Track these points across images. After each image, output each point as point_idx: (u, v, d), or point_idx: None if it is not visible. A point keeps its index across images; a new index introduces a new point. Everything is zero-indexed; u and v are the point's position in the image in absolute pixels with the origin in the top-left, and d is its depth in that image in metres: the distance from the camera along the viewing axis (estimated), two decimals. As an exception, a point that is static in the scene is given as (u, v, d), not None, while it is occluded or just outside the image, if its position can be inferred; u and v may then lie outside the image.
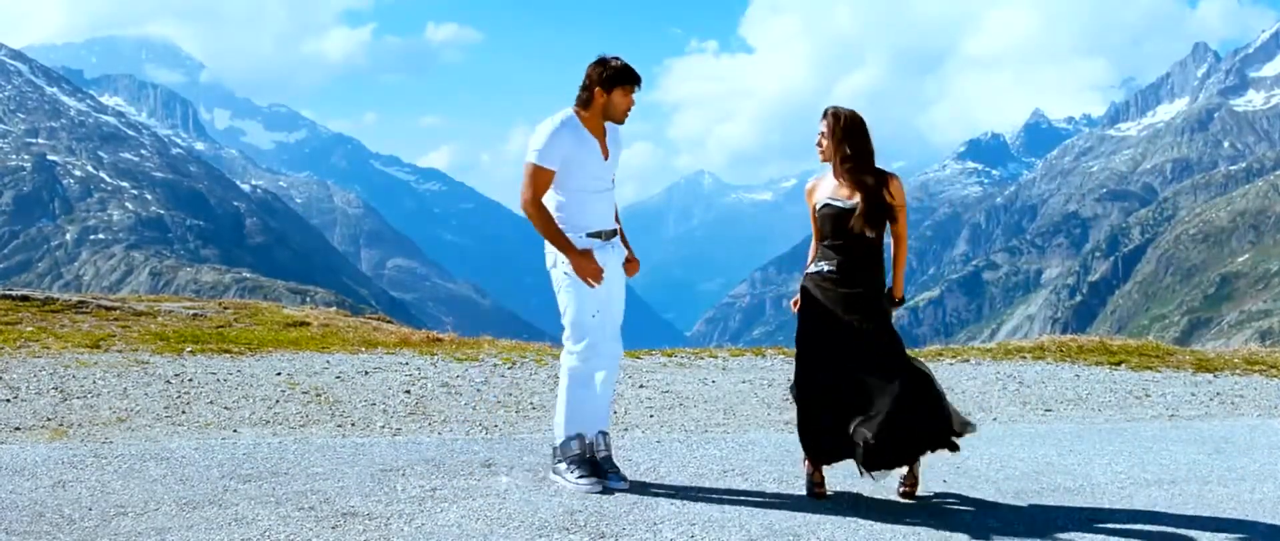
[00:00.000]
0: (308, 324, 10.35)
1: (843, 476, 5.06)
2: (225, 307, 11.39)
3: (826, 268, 4.82)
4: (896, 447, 4.66)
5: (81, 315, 9.65)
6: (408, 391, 7.14)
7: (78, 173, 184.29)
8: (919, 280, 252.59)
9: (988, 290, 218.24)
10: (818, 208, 4.85)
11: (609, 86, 4.79)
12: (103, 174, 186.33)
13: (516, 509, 4.51)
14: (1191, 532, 4.51)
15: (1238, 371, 9.28)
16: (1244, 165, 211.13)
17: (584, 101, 4.84)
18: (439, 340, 9.49)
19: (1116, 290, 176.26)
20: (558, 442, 4.96)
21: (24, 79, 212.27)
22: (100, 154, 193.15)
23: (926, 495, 5.00)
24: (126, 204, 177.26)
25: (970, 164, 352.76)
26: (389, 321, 12.33)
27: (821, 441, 4.78)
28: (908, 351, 4.91)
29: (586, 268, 4.79)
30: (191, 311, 10.54)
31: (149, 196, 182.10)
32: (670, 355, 9.24)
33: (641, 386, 7.66)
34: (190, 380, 7.15)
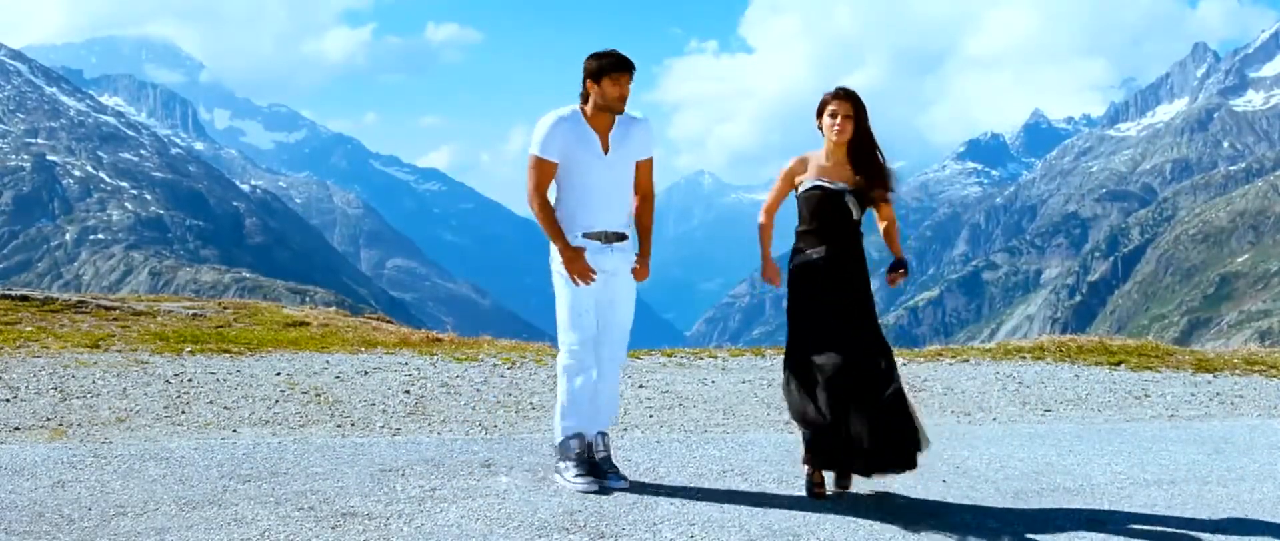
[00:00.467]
0: (307, 324, 10.35)
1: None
2: (225, 308, 11.39)
3: (815, 255, 4.81)
4: (894, 451, 4.68)
5: (81, 315, 9.65)
6: (407, 391, 7.14)
7: (77, 173, 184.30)
8: (919, 280, 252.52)
9: (987, 290, 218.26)
10: (803, 188, 4.82)
11: (598, 78, 4.76)
12: (102, 174, 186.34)
13: (516, 509, 4.51)
14: (1191, 532, 4.51)
15: (1237, 372, 9.28)
16: (1244, 165, 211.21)
17: (584, 97, 4.85)
18: (439, 340, 9.48)
19: (1116, 290, 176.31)
20: (557, 442, 4.97)
21: (24, 79, 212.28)
22: (100, 154, 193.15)
23: (926, 496, 5.00)
24: (126, 204, 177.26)
25: (970, 164, 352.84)
26: (389, 321, 12.32)
27: (821, 441, 4.78)
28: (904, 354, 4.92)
29: (573, 265, 4.78)
30: (191, 311, 10.54)
31: (148, 196, 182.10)
32: (670, 355, 9.24)
33: (641, 386, 7.66)
34: (190, 380, 7.15)
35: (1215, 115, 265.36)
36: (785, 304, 4.92)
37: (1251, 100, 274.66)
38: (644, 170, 4.93)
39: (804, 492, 4.89)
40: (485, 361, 8.42)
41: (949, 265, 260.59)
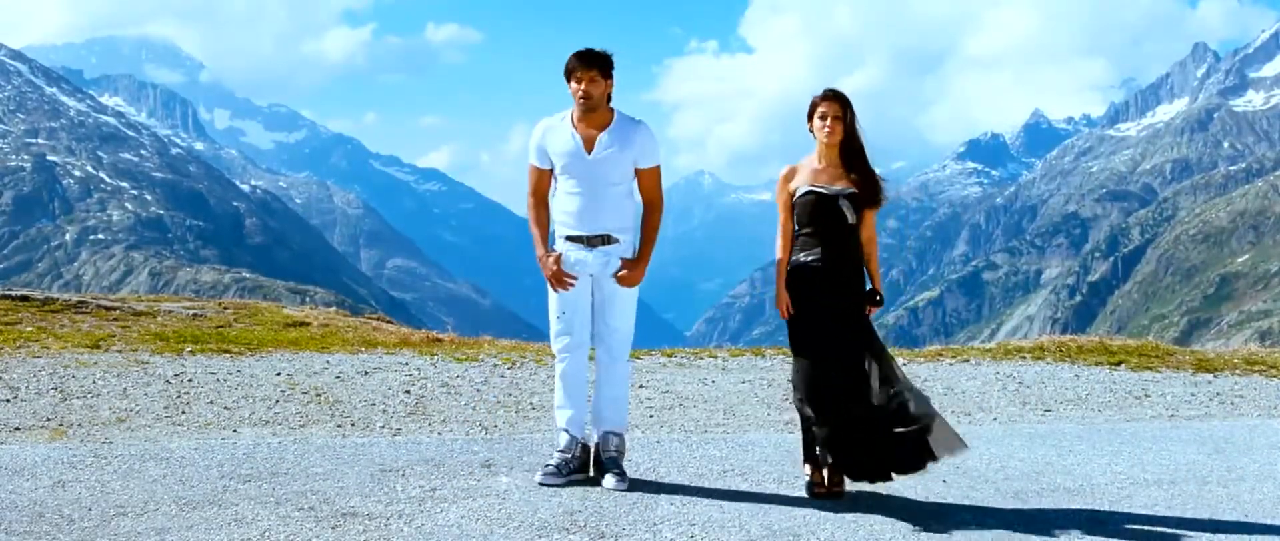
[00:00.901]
0: (307, 324, 10.35)
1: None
2: (225, 308, 11.39)
3: (810, 258, 4.81)
4: (895, 456, 4.70)
5: (81, 315, 9.65)
6: (407, 391, 7.14)
7: (77, 173, 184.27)
8: (919, 280, 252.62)
9: (987, 290, 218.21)
10: (797, 194, 4.82)
11: (567, 79, 4.76)
12: (102, 174, 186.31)
13: (516, 509, 4.51)
14: (1191, 533, 4.51)
15: (1237, 372, 9.28)
16: (1244, 165, 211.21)
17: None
18: (439, 340, 9.49)
19: (1116, 290, 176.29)
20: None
21: (24, 79, 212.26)
22: (100, 154, 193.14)
23: (926, 496, 5.00)
24: (126, 204, 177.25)
25: (970, 164, 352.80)
26: (389, 321, 12.33)
27: (819, 440, 4.80)
28: (902, 354, 4.94)
29: (544, 269, 4.85)
30: (191, 311, 10.54)
31: (149, 196, 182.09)
32: (670, 355, 9.24)
33: (641, 386, 7.66)
34: (190, 380, 7.15)
35: (1215, 115, 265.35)
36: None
37: (1251, 100, 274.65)
38: (645, 178, 4.87)
39: (804, 492, 4.90)
40: (485, 361, 8.42)
41: (949, 265, 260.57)
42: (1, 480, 4.70)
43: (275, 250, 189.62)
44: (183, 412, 6.30)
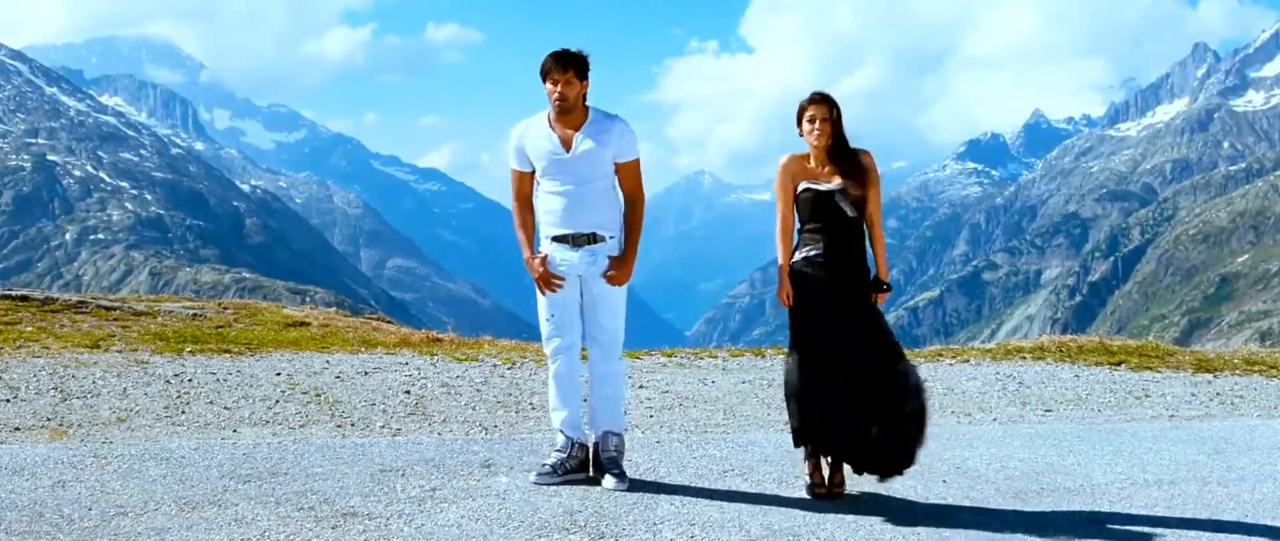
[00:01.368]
0: (307, 324, 10.36)
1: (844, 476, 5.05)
2: (225, 308, 11.39)
3: (814, 252, 4.85)
4: (893, 454, 4.71)
5: (81, 315, 9.65)
6: (407, 391, 7.14)
7: (77, 173, 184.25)
8: (919, 280, 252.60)
9: (987, 290, 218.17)
10: (799, 192, 4.88)
11: (542, 80, 4.75)
12: (102, 174, 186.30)
13: (516, 509, 4.51)
14: (1191, 533, 4.51)
15: (1238, 372, 9.28)
16: (1244, 165, 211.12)
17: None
18: (439, 340, 9.49)
19: (1116, 290, 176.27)
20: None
21: (24, 79, 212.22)
22: (100, 154, 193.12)
23: (926, 496, 5.00)
24: (126, 204, 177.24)
25: (970, 164, 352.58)
26: (389, 321, 12.33)
27: (818, 438, 4.82)
28: (908, 353, 4.95)
29: (531, 271, 4.87)
30: (191, 311, 10.54)
31: (149, 196, 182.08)
32: (670, 355, 9.24)
33: (641, 386, 7.66)
34: (190, 380, 7.15)
35: (1215, 115, 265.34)
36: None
37: (1251, 100, 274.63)
38: (625, 172, 4.87)
39: (804, 493, 4.90)
40: (485, 361, 8.42)
41: (949, 265, 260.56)
42: (1, 480, 4.70)
43: (275, 250, 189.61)
44: (183, 412, 6.30)
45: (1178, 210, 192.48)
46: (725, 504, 4.69)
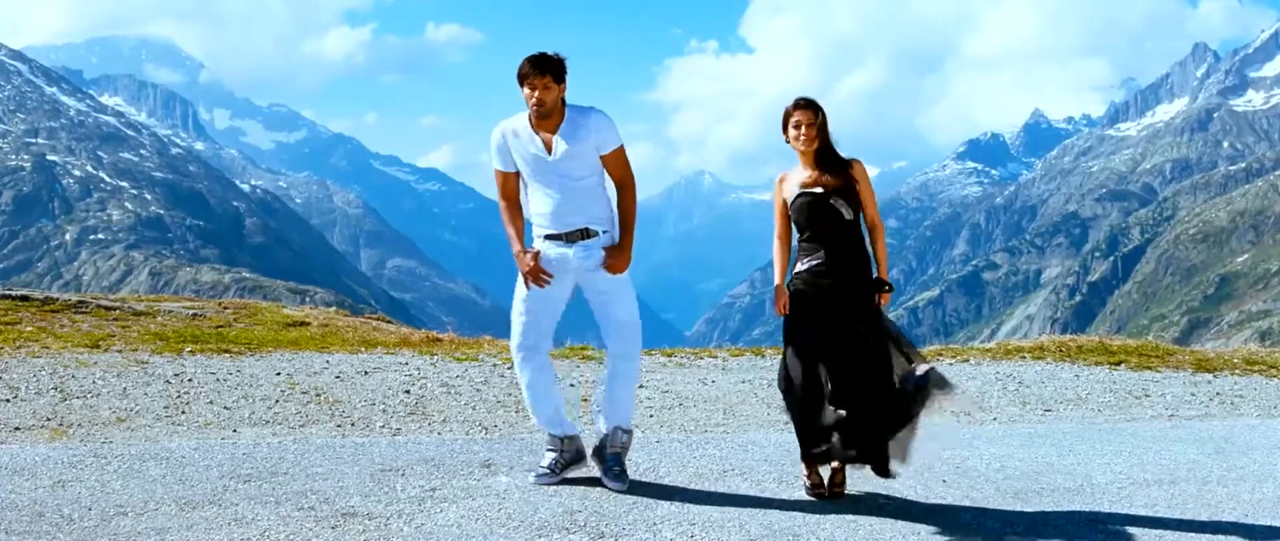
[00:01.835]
0: (307, 324, 10.36)
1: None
2: (225, 308, 11.40)
3: (814, 263, 4.83)
4: (868, 446, 4.72)
5: (81, 315, 9.65)
6: (407, 391, 7.14)
7: (77, 172, 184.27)
8: (919, 280, 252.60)
9: (987, 290, 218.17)
10: (791, 199, 4.87)
11: (520, 85, 4.72)
12: (102, 174, 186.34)
13: (516, 509, 4.51)
14: (1191, 533, 4.51)
15: (1237, 371, 9.28)
16: (1244, 165, 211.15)
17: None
18: (439, 340, 9.49)
19: (1116, 290, 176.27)
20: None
21: (24, 79, 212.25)
22: (100, 154, 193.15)
23: (926, 496, 5.00)
24: (126, 204, 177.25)
25: (970, 164, 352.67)
26: (389, 321, 12.34)
27: (817, 443, 4.81)
28: (919, 352, 4.93)
29: (521, 265, 4.85)
30: (191, 311, 10.54)
31: (148, 196, 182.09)
32: (670, 355, 9.24)
33: (641, 386, 7.66)
34: (190, 380, 7.15)
35: (1215, 115, 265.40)
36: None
37: (1251, 100, 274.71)
38: (611, 161, 4.83)
39: (804, 493, 4.90)
40: (485, 361, 8.42)
41: (949, 265, 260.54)
42: (1, 480, 4.70)
43: (275, 250, 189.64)
44: (183, 412, 6.30)
45: (1177, 210, 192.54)
46: (725, 504, 4.69)
